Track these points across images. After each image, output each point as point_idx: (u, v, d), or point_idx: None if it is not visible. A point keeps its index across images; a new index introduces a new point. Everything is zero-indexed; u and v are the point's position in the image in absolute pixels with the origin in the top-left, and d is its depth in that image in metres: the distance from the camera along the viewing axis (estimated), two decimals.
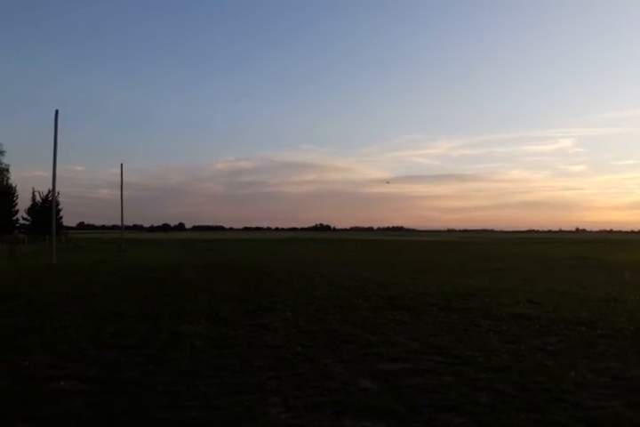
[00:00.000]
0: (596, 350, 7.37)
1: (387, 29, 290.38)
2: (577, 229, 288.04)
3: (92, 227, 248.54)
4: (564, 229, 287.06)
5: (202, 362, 6.62)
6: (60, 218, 71.74)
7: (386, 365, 6.61)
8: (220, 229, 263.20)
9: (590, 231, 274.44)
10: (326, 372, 6.23)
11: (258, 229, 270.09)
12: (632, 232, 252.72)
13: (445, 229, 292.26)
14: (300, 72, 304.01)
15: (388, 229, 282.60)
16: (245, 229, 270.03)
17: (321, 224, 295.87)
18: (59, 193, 67.63)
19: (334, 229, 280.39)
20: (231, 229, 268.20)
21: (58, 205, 70.92)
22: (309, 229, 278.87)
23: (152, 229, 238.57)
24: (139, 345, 7.55)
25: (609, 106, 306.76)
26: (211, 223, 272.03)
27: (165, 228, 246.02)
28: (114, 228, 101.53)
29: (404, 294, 13.67)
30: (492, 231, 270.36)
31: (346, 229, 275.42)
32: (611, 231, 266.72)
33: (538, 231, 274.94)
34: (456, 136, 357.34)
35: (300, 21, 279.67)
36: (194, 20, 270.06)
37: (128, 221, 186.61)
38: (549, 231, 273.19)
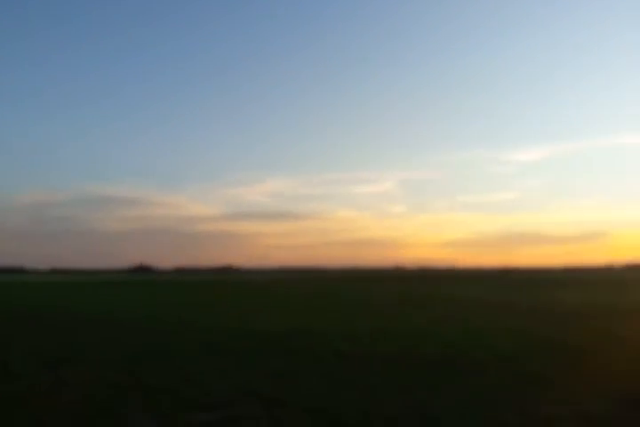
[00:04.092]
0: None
1: (236, 70, 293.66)
2: (397, 267, 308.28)
3: None
4: (385, 266, 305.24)
5: None
6: None
7: (201, 415, 6.16)
8: (20, 271, 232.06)
9: (409, 269, 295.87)
10: None
11: (68, 270, 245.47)
12: (447, 269, 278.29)
13: (277, 266, 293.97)
14: (125, 98, 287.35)
15: (216, 268, 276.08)
16: (54, 270, 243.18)
17: (142, 264, 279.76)
18: None
19: (157, 270, 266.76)
20: (35, 271, 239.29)
21: None
22: (129, 270, 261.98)
23: None
24: None
25: (425, 151, 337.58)
26: (9, 263, 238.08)
27: None
28: None
29: (226, 337, 13.21)
30: (321, 269, 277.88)
31: (170, 270, 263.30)
32: (428, 268, 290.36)
33: (362, 269, 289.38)
34: (289, 176, 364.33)
35: (155, 55, 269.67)
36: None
37: None
38: (372, 269, 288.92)
